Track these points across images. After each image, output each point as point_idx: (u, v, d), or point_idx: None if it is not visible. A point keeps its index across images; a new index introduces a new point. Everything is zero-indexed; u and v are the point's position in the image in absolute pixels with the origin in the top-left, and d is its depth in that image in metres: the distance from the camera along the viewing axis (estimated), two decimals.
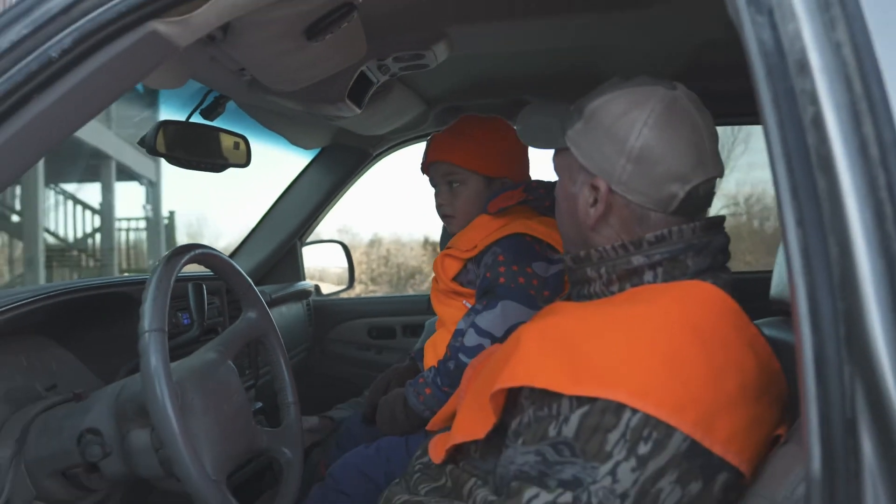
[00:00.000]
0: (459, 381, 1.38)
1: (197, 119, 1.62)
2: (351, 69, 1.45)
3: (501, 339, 1.39)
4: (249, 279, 1.35)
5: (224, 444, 1.13)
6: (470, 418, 1.05)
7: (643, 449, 0.80)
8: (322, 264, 2.87)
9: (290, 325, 2.34)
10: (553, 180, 1.16)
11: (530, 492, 0.83)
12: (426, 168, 1.71)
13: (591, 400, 0.83)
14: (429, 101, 2.11)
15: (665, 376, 0.82)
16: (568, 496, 0.80)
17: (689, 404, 0.80)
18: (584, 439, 0.82)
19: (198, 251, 1.19)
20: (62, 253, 11.00)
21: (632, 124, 0.95)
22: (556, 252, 1.50)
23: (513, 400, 0.96)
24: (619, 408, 0.81)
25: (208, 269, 1.30)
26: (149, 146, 1.47)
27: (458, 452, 1.09)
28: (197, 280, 1.59)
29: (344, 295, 2.83)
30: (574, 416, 0.84)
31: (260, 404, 1.82)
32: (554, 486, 0.81)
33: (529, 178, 1.68)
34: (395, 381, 1.68)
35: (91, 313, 1.43)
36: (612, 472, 0.80)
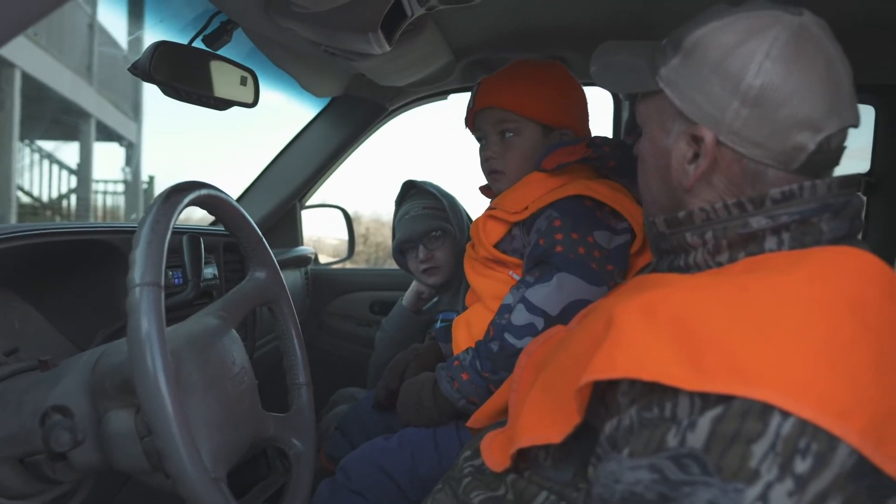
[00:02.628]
0: (504, 365, 1.19)
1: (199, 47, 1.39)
2: None
3: (557, 320, 1.18)
4: (260, 232, 1.11)
5: (227, 431, 0.90)
6: (540, 417, 0.83)
7: (801, 466, 0.59)
8: (318, 233, 2.63)
9: None
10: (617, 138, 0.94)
11: None
12: (471, 118, 1.47)
13: (725, 399, 0.62)
14: (457, 52, 1.89)
15: (824, 368, 0.61)
16: None
17: (856, 407, 0.60)
18: (720, 452, 0.61)
19: (203, 191, 0.95)
20: (35, 212, 10.64)
21: (749, 57, 0.77)
22: (620, 220, 1.27)
23: (598, 395, 0.75)
24: (766, 410, 0.60)
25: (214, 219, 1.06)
26: (142, 70, 1.23)
27: (520, 458, 0.87)
28: (194, 233, 1.34)
29: (347, 265, 2.61)
30: (703, 420, 0.62)
31: (255, 381, 1.59)
32: None
33: (590, 133, 1.46)
34: (416, 363, 1.46)
35: (63, 264, 1.19)
36: (764, 498, 0.58)
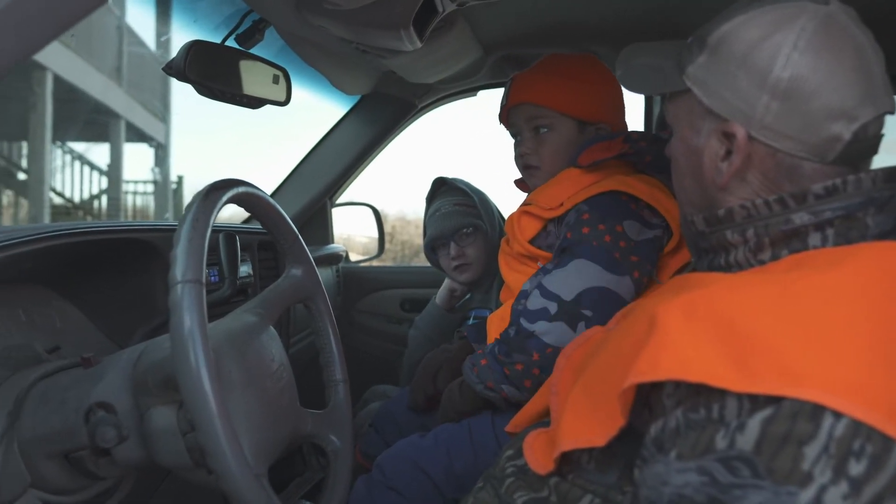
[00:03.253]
0: (517, 348, 1.19)
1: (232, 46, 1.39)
2: None
3: (571, 305, 1.17)
4: (296, 230, 1.11)
5: (267, 428, 0.90)
6: (583, 420, 0.81)
7: (856, 468, 0.56)
8: (347, 231, 2.64)
9: None
10: (654, 133, 0.93)
11: None
12: (505, 114, 1.47)
13: (775, 400, 0.60)
14: (486, 48, 1.88)
15: (875, 367, 0.59)
16: None
17: None
18: (771, 454, 0.59)
19: (240, 189, 0.96)
20: (67, 213, 10.81)
21: (776, 50, 0.75)
22: (655, 215, 1.26)
23: (642, 397, 0.73)
24: (817, 410, 0.58)
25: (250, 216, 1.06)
26: (177, 70, 1.24)
27: (563, 461, 0.86)
28: (231, 231, 1.35)
29: (374, 263, 2.61)
30: (752, 421, 0.60)
31: None
32: None
33: (626, 127, 1.44)
34: (448, 367, 1.46)
35: (101, 263, 1.20)
36: (818, 502, 0.56)
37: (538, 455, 0.89)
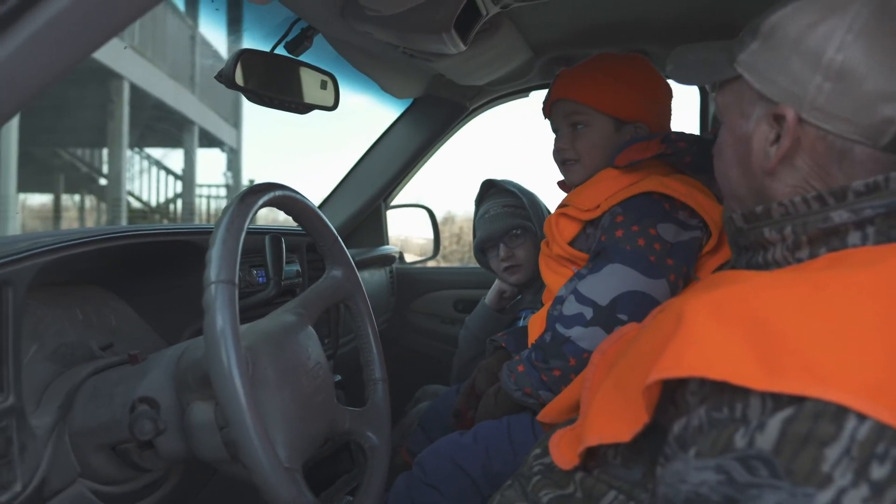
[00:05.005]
0: (554, 354, 1.19)
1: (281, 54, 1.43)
2: None
3: (606, 310, 1.17)
4: (336, 232, 1.14)
5: (302, 424, 0.93)
6: (609, 415, 0.81)
7: (878, 472, 0.54)
8: (405, 233, 2.67)
9: (372, 292, 2.15)
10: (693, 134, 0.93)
11: None
12: (548, 110, 1.47)
13: (797, 400, 0.58)
14: (535, 49, 1.88)
15: None
16: None
17: None
18: (790, 455, 0.57)
19: (278, 192, 0.99)
20: (144, 216, 11.21)
21: (829, 34, 0.74)
22: (693, 216, 1.24)
23: (668, 394, 0.72)
24: (840, 412, 0.56)
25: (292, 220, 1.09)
26: (227, 78, 1.29)
27: (589, 456, 0.86)
28: (277, 232, 1.39)
29: (429, 264, 2.63)
30: (773, 421, 0.59)
31: (339, 377, 1.63)
32: None
33: (669, 128, 1.43)
34: (485, 372, 1.47)
35: (155, 264, 1.25)
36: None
37: (564, 452, 0.89)
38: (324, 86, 1.51)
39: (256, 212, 0.92)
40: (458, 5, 1.26)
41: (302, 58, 1.46)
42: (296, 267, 1.58)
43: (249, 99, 1.36)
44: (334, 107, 1.53)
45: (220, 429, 0.90)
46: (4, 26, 0.57)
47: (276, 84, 1.39)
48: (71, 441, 0.95)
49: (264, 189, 0.96)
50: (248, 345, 0.91)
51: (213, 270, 0.82)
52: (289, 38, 1.46)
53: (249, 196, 0.92)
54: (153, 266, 1.26)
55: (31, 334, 1.01)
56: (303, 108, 1.46)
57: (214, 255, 0.83)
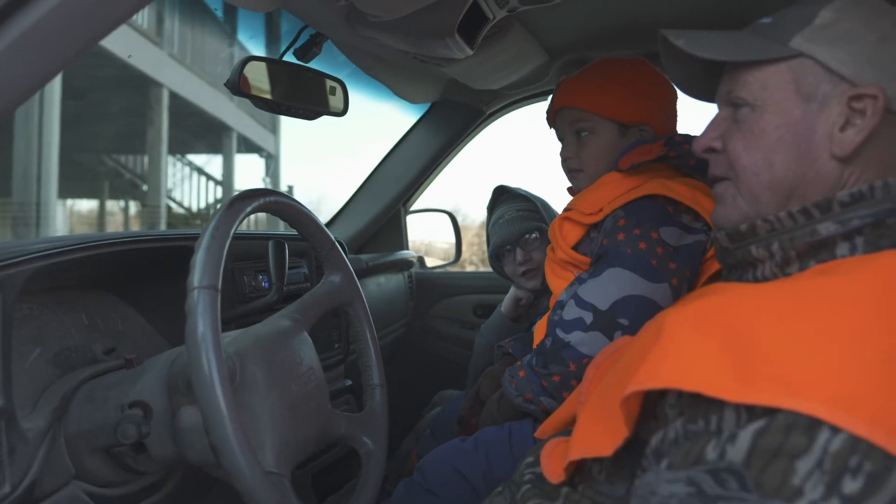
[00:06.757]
0: (554, 359, 1.17)
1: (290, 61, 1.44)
2: None
3: (606, 315, 1.15)
4: (333, 237, 1.14)
5: (291, 429, 0.93)
6: (593, 429, 0.80)
7: (851, 486, 0.52)
8: (428, 238, 2.67)
9: (389, 297, 2.15)
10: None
11: None
12: (552, 117, 1.46)
13: (769, 411, 0.57)
14: (551, 52, 1.86)
15: (880, 380, 0.55)
16: None
17: None
18: (760, 467, 0.56)
19: (269, 198, 0.99)
20: (185, 221, 11.41)
21: None
22: (697, 219, 1.22)
23: (650, 407, 0.71)
24: (813, 424, 0.55)
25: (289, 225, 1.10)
26: (232, 85, 1.30)
27: (576, 471, 0.85)
28: (280, 238, 1.39)
29: (450, 269, 2.63)
30: (744, 433, 0.57)
31: (349, 382, 1.63)
32: None
33: (675, 131, 1.40)
34: (490, 378, 1.46)
35: (159, 268, 1.27)
36: None
37: (553, 465, 0.87)
38: (332, 91, 1.51)
39: (244, 218, 0.93)
40: (460, 9, 1.26)
41: (318, 65, 1.47)
42: (304, 271, 1.59)
43: (256, 105, 1.37)
44: (343, 112, 1.53)
45: (207, 432, 0.90)
46: None
47: (283, 91, 1.39)
48: (66, 443, 0.96)
49: (252, 195, 0.96)
50: (237, 349, 0.92)
51: (195, 276, 0.83)
52: (297, 44, 1.47)
53: (237, 202, 0.93)
54: (161, 271, 1.28)
55: (34, 338, 1.03)
56: (310, 114, 1.47)
57: (198, 260, 0.84)
